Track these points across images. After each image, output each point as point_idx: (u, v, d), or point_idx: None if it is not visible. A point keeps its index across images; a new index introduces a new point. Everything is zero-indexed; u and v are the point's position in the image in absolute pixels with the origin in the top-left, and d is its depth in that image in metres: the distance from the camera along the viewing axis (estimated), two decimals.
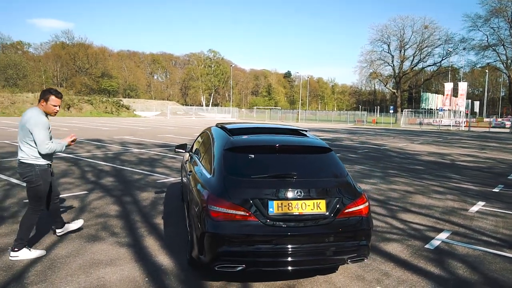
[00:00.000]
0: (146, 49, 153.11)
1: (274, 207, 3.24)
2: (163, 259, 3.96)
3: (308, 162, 3.75)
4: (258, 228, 3.17)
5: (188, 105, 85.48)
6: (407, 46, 61.73)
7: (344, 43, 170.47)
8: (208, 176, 3.63)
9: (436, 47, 61.02)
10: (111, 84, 70.37)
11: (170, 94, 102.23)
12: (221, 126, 4.48)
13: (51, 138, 4.00)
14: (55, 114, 4.02)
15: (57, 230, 4.41)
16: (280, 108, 78.04)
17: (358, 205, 3.46)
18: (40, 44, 77.06)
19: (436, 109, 52.55)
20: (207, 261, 3.19)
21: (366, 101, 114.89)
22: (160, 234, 4.71)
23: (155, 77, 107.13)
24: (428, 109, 53.12)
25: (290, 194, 3.29)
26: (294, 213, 3.27)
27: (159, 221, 5.24)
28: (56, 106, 3.93)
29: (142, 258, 3.96)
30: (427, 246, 4.65)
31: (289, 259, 3.20)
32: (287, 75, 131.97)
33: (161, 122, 37.15)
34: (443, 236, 5.04)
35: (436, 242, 4.78)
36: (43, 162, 3.95)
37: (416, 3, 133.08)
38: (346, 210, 3.41)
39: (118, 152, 12.76)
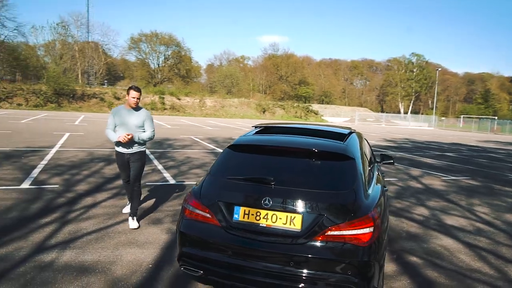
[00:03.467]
0: (348, 56, 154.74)
1: (240, 214, 2.87)
2: None
3: (309, 168, 3.12)
4: (218, 234, 2.87)
5: (385, 112, 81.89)
6: None
7: None
8: None
9: None
10: (307, 90, 74.82)
11: (365, 101, 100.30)
12: (259, 124, 4.22)
13: (115, 127, 4.86)
14: (135, 105, 4.79)
15: (130, 218, 4.84)
16: (495, 118, 65.16)
17: (352, 229, 2.69)
18: (257, 57, 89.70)
19: None
20: (177, 259, 3.11)
21: None
22: None
23: (354, 84, 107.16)
24: None
25: (261, 202, 2.84)
26: (260, 224, 2.81)
27: None
28: (134, 98, 4.72)
29: (171, 247, 4.17)
30: None
31: (248, 277, 2.77)
32: None
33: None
34: None
35: None
36: (116, 147, 4.94)
37: None
38: (331, 232, 2.70)
39: None
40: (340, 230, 2.70)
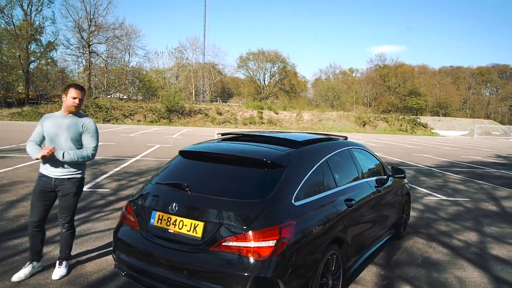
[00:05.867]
0: (473, 62, 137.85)
1: (155, 219, 2.90)
2: None
3: (236, 175, 3.01)
4: (135, 237, 2.95)
5: None
6: None
7: None
8: None
9: None
10: (418, 102, 69.01)
11: (495, 112, 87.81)
12: (225, 133, 4.18)
13: (43, 140, 3.53)
14: (76, 109, 3.50)
15: (57, 263, 3.66)
16: None
17: (250, 240, 2.52)
18: (366, 69, 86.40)
19: None
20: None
21: None
22: None
23: (481, 93, 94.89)
24: None
25: (173, 208, 2.82)
26: (169, 230, 2.80)
27: None
28: (75, 98, 3.45)
29: None
30: None
31: (154, 284, 2.75)
32: None
33: (457, 142, 32.97)
34: None
35: None
36: (40, 169, 3.56)
37: None
38: (227, 243, 2.56)
39: None
40: (238, 241, 2.53)
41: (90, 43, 48.08)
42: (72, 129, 3.50)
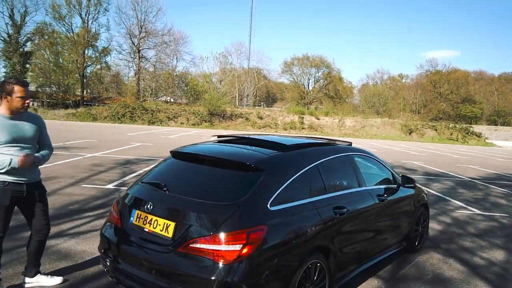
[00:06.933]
0: None
1: (135, 217, 2.94)
2: None
3: (216, 177, 2.98)
4: (116, 235, 3.01)
5: None
6: None
7: None
8: None
9: None
10: (472, 110, 64.82)
11: None
12: (221, 135, 4.17)
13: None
14: (26, 110, 3.09)
15: (26, 279, 3.36)
16: None
17: (216, 243, 2.48)
18: (416, 75, 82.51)
19: None
20: None
21: None
22: None
23: None
24: None
25: (149, 207, 2.84)
26: (145, 229, 2.82)
27: None
28: (24, 97, 2.99)
29: None
30: None
31: (128, 282, 2.78)
32: None
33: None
34: None
35: None
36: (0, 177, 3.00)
37: None
38: (194, 245, 2.54)
39: None
40: (204, 243, 2.51)
41: (140, 49, 50.36)
42: (32, 129, 3.15)
